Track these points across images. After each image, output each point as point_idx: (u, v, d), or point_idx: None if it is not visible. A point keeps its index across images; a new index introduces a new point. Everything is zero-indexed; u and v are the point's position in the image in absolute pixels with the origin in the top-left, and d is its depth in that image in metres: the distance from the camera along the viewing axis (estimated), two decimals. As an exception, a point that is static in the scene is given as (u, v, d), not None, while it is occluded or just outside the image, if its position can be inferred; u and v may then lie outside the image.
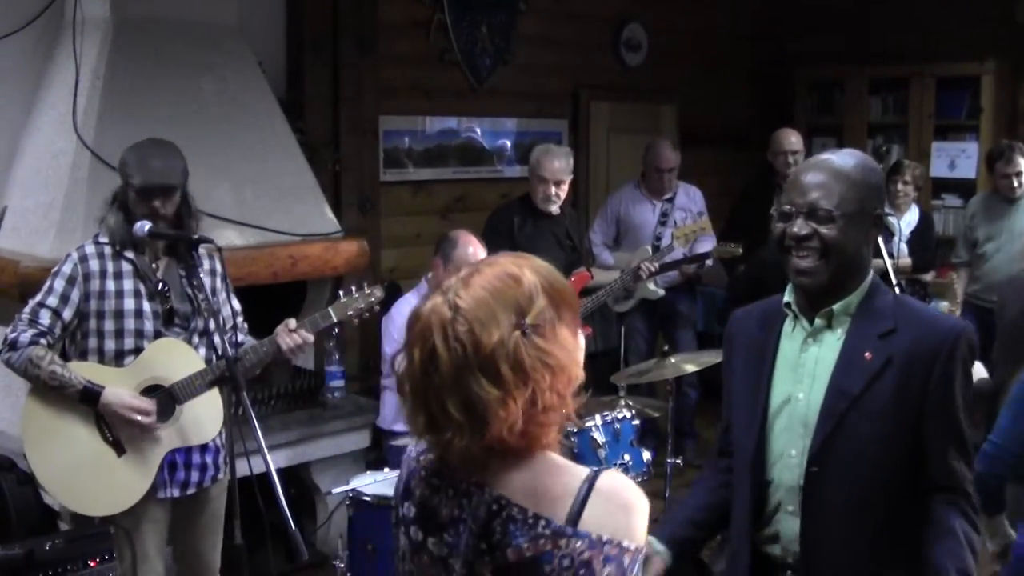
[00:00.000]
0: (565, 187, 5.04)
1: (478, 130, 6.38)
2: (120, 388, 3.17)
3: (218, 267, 3.40)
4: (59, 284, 3.18)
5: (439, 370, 1.47)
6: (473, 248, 4.33)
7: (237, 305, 3.44)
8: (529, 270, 1.53)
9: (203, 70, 4.50)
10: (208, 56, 4.53)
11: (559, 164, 4.98)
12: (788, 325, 2.29)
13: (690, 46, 7.39)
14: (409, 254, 5.82)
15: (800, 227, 2.16)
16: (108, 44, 4.28)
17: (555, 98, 6.73)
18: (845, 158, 2.22)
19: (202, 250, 3.31)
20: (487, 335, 1.46)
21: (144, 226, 3.14)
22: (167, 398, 3.24)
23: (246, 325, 3.51)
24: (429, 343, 1.48)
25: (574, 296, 1.58)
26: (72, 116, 4.18)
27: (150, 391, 3.23)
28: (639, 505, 1.51)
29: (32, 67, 4.54)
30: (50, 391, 3.14)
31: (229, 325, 3.40)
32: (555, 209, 5.05)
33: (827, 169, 2.19)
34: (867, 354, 2.16)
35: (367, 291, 3.53)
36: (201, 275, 3.26)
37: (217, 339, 3.11)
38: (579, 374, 1.56)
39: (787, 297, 2.28)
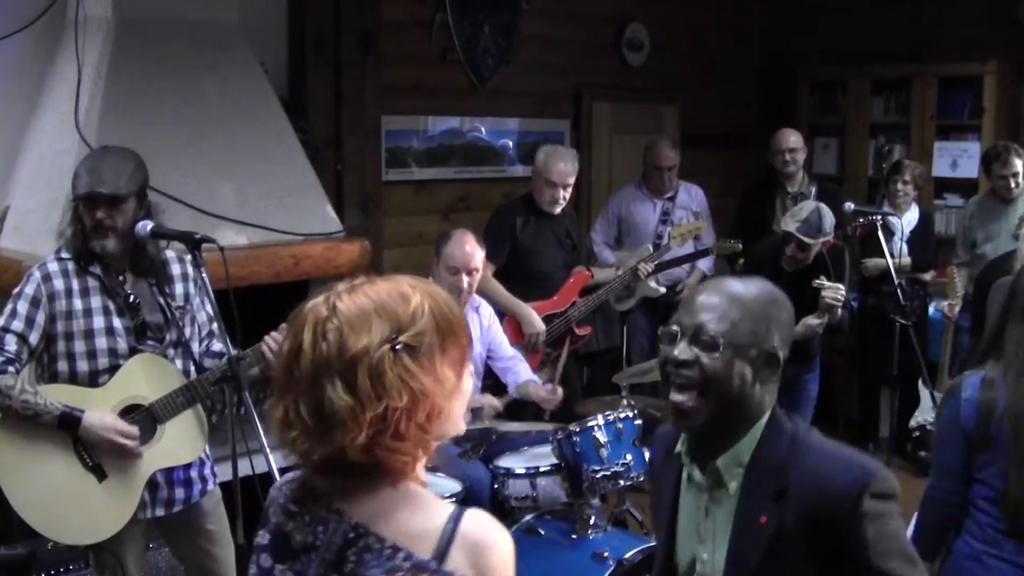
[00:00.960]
0: (570, 189, 5.06)
1: (483, 129, 6.38)
2: (99, 411, 3.02)
3: (190, 271, 3.27)
4: (22, 307, 3.02)
5: (301, 367, 1.43)
6: (469, 247, 4.34)
7: (212, 311, 3.23)
8: (423, 294, 1.48)
9: (205, 70, 4.50)
10: (210, 56, 4.53)
11: (567, 167, 5.00)
12: (686, 474, 2.04)
13: (692, 46, 7.38)
14: (411, 254, 5.82)
15: (681, 350, 1.92)
16: (110, 44, 4.28)
17: (557, 98, 6.73)
18: (749, 286, 1.99)
19: (171, 253, 3.25)
20: (355, 339, 1.41)
21: (147, 226, 3.08)
22: (148, 418, 3.10)
23: (220, 329, 3.38)
24: (299, 339, 1.45)
25: (466, 335, 1.53)
26: (74, 116, 4.18)
27: (128, 411, 3.09)
28: (505, 547, 1.49)
29: (34, 67, 4.54)
30: (23, 420, 2.96)
31: (205, 332, 3.30)
32: (559, 210, 5.06)
33: (724, 292, 1.96)
34: (762, 518, 1.88)
35: None
36: (175, 282, 3.19)
37: (194, 347, 3.05)
38: (450, 413, 1.49)
39: (679, 445, 2.04)
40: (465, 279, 4.28)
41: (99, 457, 3.06)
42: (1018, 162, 5.57)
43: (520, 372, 4.53)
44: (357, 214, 5.52)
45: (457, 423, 1.52)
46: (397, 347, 1.42)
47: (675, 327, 1.95)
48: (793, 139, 6.01)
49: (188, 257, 3.13)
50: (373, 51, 5.60)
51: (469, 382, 1.54)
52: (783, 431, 1.93)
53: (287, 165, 4.67)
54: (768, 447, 1.92)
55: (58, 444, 3.03)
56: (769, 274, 4.53)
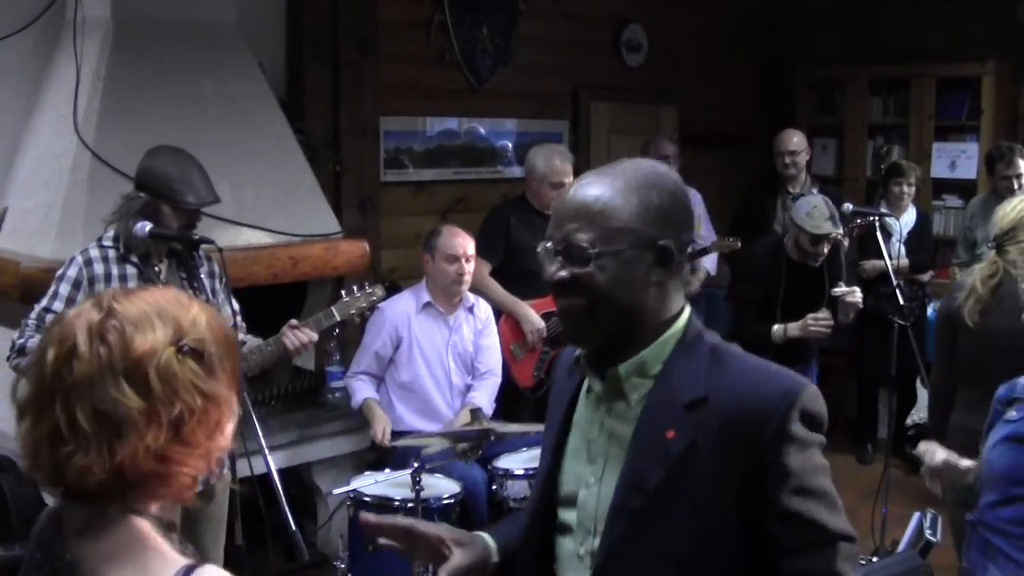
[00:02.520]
0: None
1: (481, 130, 6.38)
2: None
3: (216, 269, 3.41)
4: (64, 288, 3.16)
5: (75, 372, 1.29)
6: (460, 239, 4.35)
7: (236, 305, 3.43)
8: (200, 306, 1.41)
9: (203, 71, 4.50)
10: (208, 57, 4.53)
11: (567, 164, 5.01)
12: (587, 385, 1.75)
13: (691, 47, 7.38)
14: (409, 254, 5.81)
15: (554, 269, 1.65)
16: (108, 45, 4.28)
17: (555, 99, 6.72)
18: (625, 172, 1.67)
19: (201, 251, 3.32)
20: (141, 338, 1.31)
21: (145, 226, 3.13)
22: None
23: (244, 325, 3.52)
24: (69, 343, 1.31)
25: (236, 359, 1.43)
26: (73, 117, 4.18)
27: None
28: None
29: (32, 68, 4.54)
30: None
31: (229, 325, 3.38)
32: None
33: (589, 191, 1.65)
34: (669, 432, 1.60)
35: (368, 290, 3.56)
36: (202, 276, 3.26)
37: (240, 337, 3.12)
38: (228, 431, 1.40)
39: (579, 350, 1.76)
40: (465, 265, 4.33)
41: None
42: (1022, 163, 5.57)
43: (478, 393, 4.50)
44: (355, 215, 5.52)
45: (227, 444, 1.40)
46: (183, 349, 1.33)
47: (548, 243, 1.67)
48: (795, 140, 6.01)
49: (215, 255, 3.28)
50: (371, 52, 5.60)
51: (235, 404, 1.42)
52: (703, 341, 1.67)
53: (285, 166, 4.67)
54: (682, 356, 1.65)
55: None
56: (770, 273, 4.61)
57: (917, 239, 6.00)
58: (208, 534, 3.45)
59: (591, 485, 1.69)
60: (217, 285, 3.41)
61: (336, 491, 3.88)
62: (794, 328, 4.49)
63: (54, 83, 4.44)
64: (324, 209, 4.77)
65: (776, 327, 4.51)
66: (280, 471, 3.09)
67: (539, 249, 1.69)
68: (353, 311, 3.53)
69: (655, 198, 1.65)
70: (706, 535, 1.58)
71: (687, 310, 1.70)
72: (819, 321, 4.47)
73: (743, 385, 1.61)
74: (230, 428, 1.41)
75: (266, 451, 2.83)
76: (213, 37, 4.58)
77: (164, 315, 1.35)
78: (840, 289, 4.55)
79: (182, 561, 1.33)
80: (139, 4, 4.37)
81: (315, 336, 3.43)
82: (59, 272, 3.22)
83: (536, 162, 5.01)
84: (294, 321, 3.43)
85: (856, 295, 4.55)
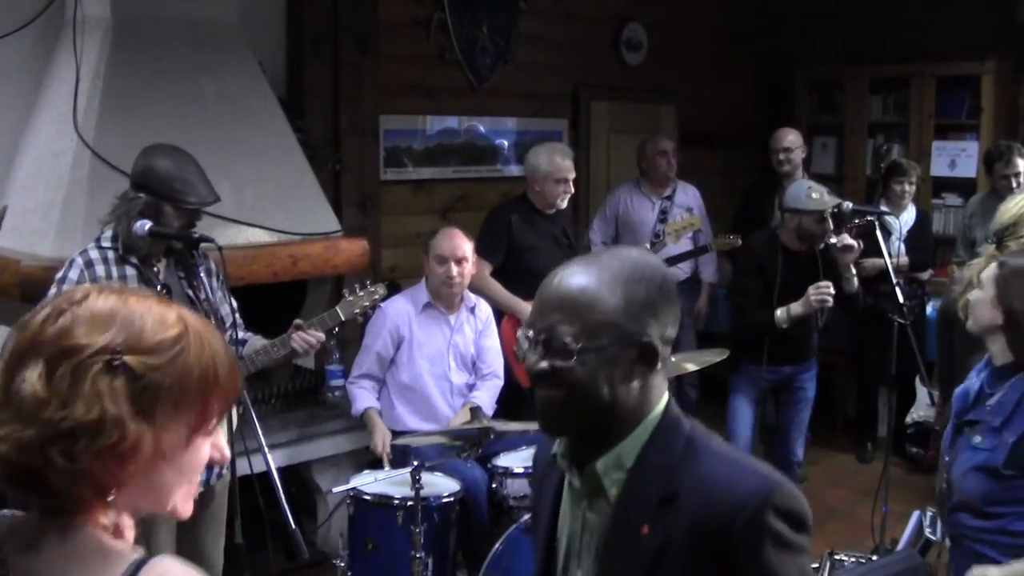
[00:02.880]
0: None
1: (481, 129, 6.39)
2: None
3: (213, 267, 3.40)
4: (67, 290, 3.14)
5: (15, 343, 1.23)
6: (457, 238, 4.36)
7: (234, 303, 3.42)
8: (194, 335, 1.26)
9: (203, 69, 4.50)
10: (208, 55, 4.53)
11: (568, 161, 5.01)
12: (567, 481, 1.73)
13: (690, 46, 7.38)
14: (409, 253, 5.82)
15: (534, 362, 1.61)
16: (108, 43, 4.28)
17: (555, 98, 6.73)
18: (603, 265, 1.64)
19: (201, 249, 3.32)
20: (81, 332, 1.20)
21: (144, 225, 3.12)
22: None
23: (243, 322, 3.52)
24: (37, 312, 1.25)
25: (222, 404, 1.29)
26: (72, 115, 4.18)
27: None
28: None
29: (32, 66, 4.54)
30: None
31: (228, 323, 3.39)
32: (566, 204, 5.07)
33: (573, 281, 1.62)
34: (644, 527, 1.58)
35: (371, 289, 3.56)
36: (201, 275, 3.26)
37: (235, 336, 3.12)
38: (157, 475, 1.24)
39: (555, 447, 1.73)
40: (454, 268, 4.30)
41: None
42: (1021, 162, 5.57)
43: (480, 392, 4.50)
44: (355, 213, 5.52)
45: (165, 496, 1.26)
46: (115, 365, 1.19)
47: (529, 331, 1.64)
48: (790, 138, 6.01)
49: (211, 254, 3.26)
50: (371, 51, 5.60)
51: (199, 457, 1.28)
52: (678, 432, 1.63)
53: (285, 165, 4.67)
54: (657, 449, 1.62)
55: None
56: (768, 264, 4.61)
57: (917, 238, 6.00)
58: (208, 534, 3.45)
59: None
60: (215, 283, 3.40)
61: (336, 489, 3.88)
62: (797, 306, 4.48)
63: (54, 82, 4.44)
64: (324, 208, 4.77)
65: (779, 311, 4.51)
66: (280, 469, 3.09)
67: (519, 335, 1.66)
68: (357, 310, 3.53)
69: (641, 291, 1.61)
70: None
71: (666, 397, 1.67)
72: (820, 290, 4.44)
73: (715, 481, 1.57)
74: (165, 477, 1.25)
75: (266, 450, 2.83)
76: (213, 36, 4.58)
77: (128, 321, 1.22)
78: (836, 238, 4.54)
79: (132, 558, 1.22)
80: (139, 3, 4.37)
81: (322, 337, 3.43)
82: (59, 274, 3.19)
83: (538, 161, 5.00)
84: (299, 321, 3.43)
85: (846, 239, 4.54)
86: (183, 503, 1.29)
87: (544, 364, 1.60)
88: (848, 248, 4.55)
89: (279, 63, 5.33)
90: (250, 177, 4.48)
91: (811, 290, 4.45)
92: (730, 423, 4.93)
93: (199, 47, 4.51)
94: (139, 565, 1.21)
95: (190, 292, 3.30)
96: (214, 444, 1.31)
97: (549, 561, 1.75)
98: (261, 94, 4.71)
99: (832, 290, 4.46)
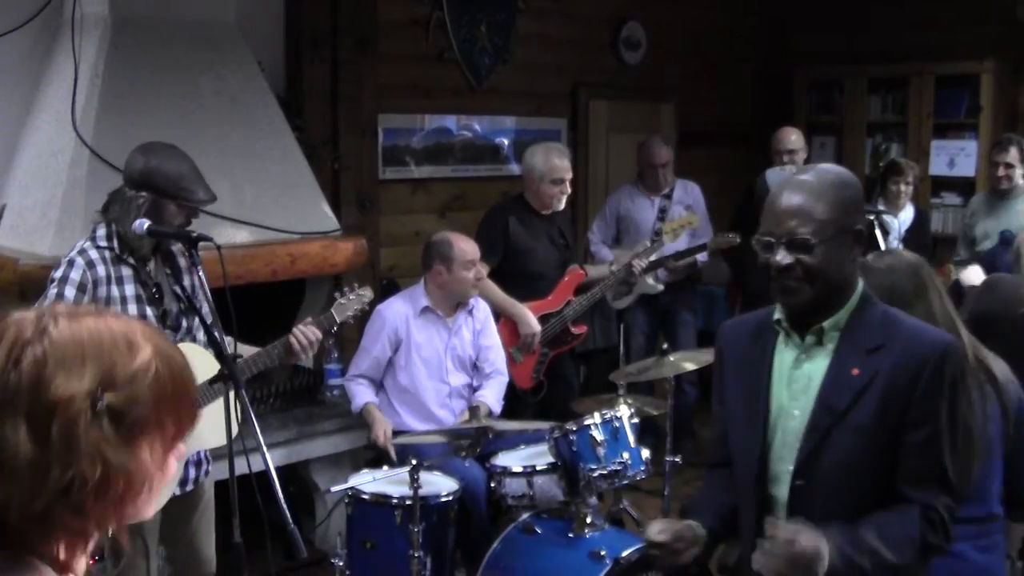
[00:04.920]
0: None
1: (480, 128, 6.39)
2: None
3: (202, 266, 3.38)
4: (70, 292, 3.09)
5: None
6: (471, 244, 4.38)
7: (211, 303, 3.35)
8: (156, 353, 1.20)
9: (202, 69, 4.50)
10: (207, 55, 4.53)
11: (566, 161, 5.02)
12: (781, 341, 2.29)
13: (689, 45, 7.39)
14: (408, 252, 5.82)
15: (781, 257, 2.15)
16: (107, 42, 4.28)
17: (554, 97, 6.73)
18: (820, 177, 2.20)
19: (175, 247, 3.31)
20: (61, 380, 1.12)
21: (143, 224, 3.11)
22: None
23: (236, 342, 3.47)
24: None
25: (191, 410, 1.26)
26: (71, 114, 4.18)
27: None
28: None
29: (31, 65, 4.54)
30: None
31: (209, 321, 3.35)
32: (564, 205, 5.07)
33: (802, 193, 2.16)
34: (854, 370, 2.15)
35: (360, 292, 3.56)
36: (199, 273, 3.25)
37: (216, 334, 3.10)
38: (149, 495, 1.21)
39: (777, 314, 2.28)
40: (475, 270, 4.39)
41: None
42: (1014, 151, 5.58)
43: (485, 391, 4.51)
44: (354, 212, 5.52)
45: (148, 507, 1.23)
46: (98, 408, 1.13)
47: (768, 237, 2.18)
48: (793, 139, 6.00)
49: (194, 252, 3.21)
50: (370, 50, 5.60)
51: (171, 472, 1.25)
52: (875, 304, 2.23)
53: (284, 164, 4.67)
54: (862, 314, 2.19)
55: None
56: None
57: (915, 237, 5.99)
58: (201, 531, 3.44)
59: (796, 416, 2.21)
60: (195, 280, 3.34)
61: (334, 488, 3.87)
62: None
63: (52, 81, 4.44)
64: (323, 207, 4.77)
65: None
66: (278, 469, 3.09)
67: (755, 240, 2.22)
68: (349, 313, 3.54)
69: (848, 192, 2.19)
70: (873, 447, 2.13)
71: (861, 280, 2.24)
72: None
73: (911, 336, 2.16)
74: (154, 491, 1.22)
75: (264, 449, 2.82)
76: (212, 35, 4.58)
77: (99, 355, 1.16)
78: None
79: None
80: (137, 2, 4.37)
81: (319, 335, 3.42)
82: (58, 273, 3.14)
83: (535, 162, 4.99)
84: (309, 319, 3.44)
85: None
86: (152, 508, 1.25)
87: (790, 259, 2.14)
88: None
89: (278, 62, 5.32)
90: (249, 176, 4.48)
91: None
92: None
93: (198, 46, 4.51)
94: None
95: (178, 290, 3.29)
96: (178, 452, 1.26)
97: (759, 401, 2.27)
98: (260, 93, 4.71)
99: None
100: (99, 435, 1.13)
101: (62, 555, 1.18)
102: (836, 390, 2.16)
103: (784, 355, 2.27)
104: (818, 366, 2.21)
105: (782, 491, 2.24)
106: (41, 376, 1.12)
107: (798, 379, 2.23)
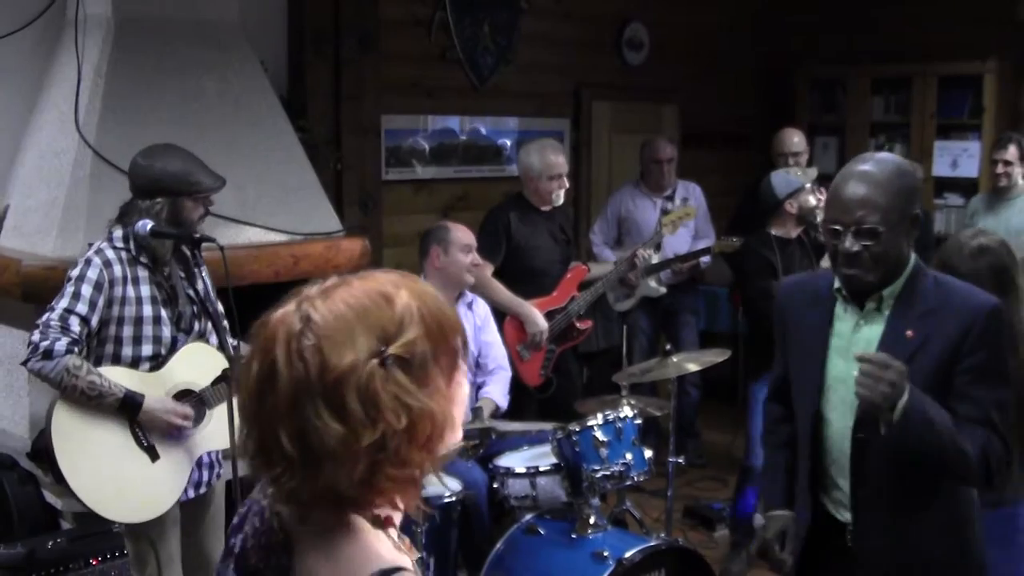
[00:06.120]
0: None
1: (482, 128, 6.38)
2: (158, 395, 3.17)
3: (205, 268, 3.42)
4: (87, 290, 3.10)
5: (275, 390, 1.23)
6: (465, 233, 4.38)
7: (220, 307, 3.44)
8: (409, 293, 1.28)
9: (205, 69, 4.50)
10: (210, 55, 4.53)
11: (561, 157, 5.03)
12: (840, 308, 2.49)
13: (692, 45, 7.38)
14: (411, 252, 5.78)
15: (850, 244, 2.34)
16: (110, 43, 4.28)
17: (557, 97, 6.72)
18: (881, 167, 2.37)
19: (186, 250, 3.32)
20: (337, 357, 1.21)
21: (146, 225, 3.13)
22: (198, 403, 3.26)
23: (228, 326, 3.49)
24: (270, 356, 1.24)
25: (458, 337, 1.33)
26: (74, 115, 4.18)
27: (180, 397, 3.23)
28: None
29: (34, 66, 4.54)
30: (84, 400, 3.06)
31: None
32: (562, 200, 5.08)
33: (867, 183, 2.35)
34: (909, 332, 2.37)
35: None
36: (204, 275, 3.26)
37: (226, 338, 3.12)
38: (450, 429, 1.30)
39: (837, 283, 2.48)
40: (473, 255, 4.40)
41: (153, 438, 3.18)
42: (1013, 150, 5.60)
43: (491, 387, 4.50)
44: (357, 213, 5.52)
45: (457, 433, 1.33)
46: (387, 362, 1.22)
47: (836, 226, 2.36)
48: (796, 141, 5.98)
49: (199, 255, 3.28)
50: (373, 50, 5.60)
51: (464, 387, 1.35)
52: (927, 272, 2.45)
53: (287, 164, 4.67)
54: (915, 282, 2.41)
55: (115, 424, 3.14)
56: (773, 265, 4.59)
57: (919, 238, 5.98)
58: (211, 535, 3.46)
59: (854, 375, 2.32)
60: (209, 282, 3.42)
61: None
62: None
63: (55, 81, 4.44)
64: (325, 207, 4.77)
65: None
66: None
67: (822, 225, 2.47)
68: None
69: (907, 181, 2.39)
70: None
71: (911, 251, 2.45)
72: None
73: (960, 299, 2.39)
74: (456, 420, 1.32)
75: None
76: (215, 35, 4.57)
77: (366, 320, 1.24)
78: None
79: (384, 563, 1.26)
80: (140, 2, 4.37)
81: None
82: (76, 272, 3.15)
83: (531, 160, 5.01)
84: None
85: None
86: (460, 431, 1.35)
87: (857, 247, 2.34)
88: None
89: (281, 62, 5.32)
90: (251, 176, 4.48)
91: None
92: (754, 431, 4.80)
93: (201, 46, 4.51)
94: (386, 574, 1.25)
95: (191, 293, 3.31)
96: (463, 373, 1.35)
97: (819, 363, 2.49)
98: (263, 93, 4.71)
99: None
100: (396, 387, 1.22)
101: (385, 511, 1.30)
102: (893, 350, 2.32)
103: (844, 321, 2.48)
104: (876, 331, 2.42)
105: (839, 445, 2.46)
106: (323, 359, 1.21)
107: (857, 342, 2.43)
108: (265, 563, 1.31)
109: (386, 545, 1.30)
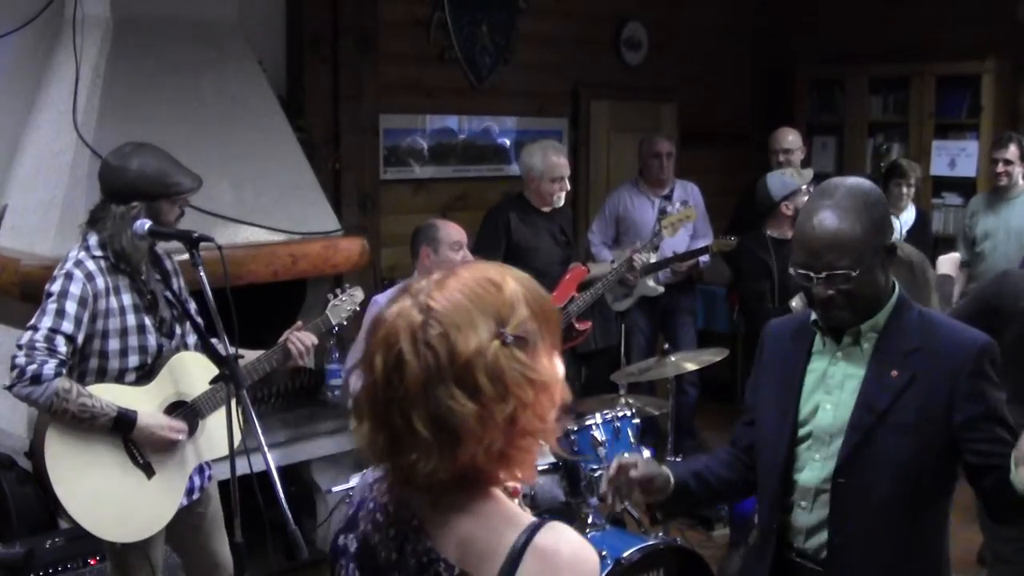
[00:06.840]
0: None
1: (481, 128, 6.39)
2: (147, 409, 3.09)
3: (178, 267, 3.34)
4: (71, 307, 2.98)
5: (405, 380, 1.31)
6: (455, 231, 4.36)
7: (193, 306, 3.32)
8: (512, 279, 1.41)
9: (203, 69, 4.50)
10: (208, 55, 4.53)
11: (563, 158, 5.03)
12: (818, 341, 2.35)
13: (690, 45, 7.38)
14: (409, 253, 5.81)
15: (823, 291, 2.20)
16: (108, 42, 4.28)
17: (555, 97, 6.73)
18: (848, 202, 2.19)
19: (161, 250, 3.28)
20: (464, 341, 1.30)
21: (144, 224, 3.07)
22: (191, 414, 3.20)
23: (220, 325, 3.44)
24: (395, 350, 1.32)
25: (556, 317, 1.44)
26: (72, 114, 4.18)
27: (172, 409, 3.18)
28: (583, 568, 1.33)
29: (32, 65, 4.54)
30: (76, 423, 2.97)
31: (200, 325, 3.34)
32: (563, 202, 5.08)
33: (834, 222, 2.18)
34: (893, 371, 2.22)
35: (351, 292, 3.56)
36: (171, 277, 3.23)
37: (222, 338, 3.10)
38: (564, 396, 1.41)
39: (813, 315, 2.34)
40: (464, 252, 4.35)
41: (148, 455, 3.12)
42: (1013, 149, 5.59)
43: None
44: (355, 213, 5.52)
45: (566, 398, 1.43)
46: (507, 341, 1.33)
47: (806, 271, 2.21)
48: (790, 139, 5.99)
49: (181, 254, 3.15)
50: (371, 50, 5.60)
51: (560, 365, 1.43)
52: (911, 305, 2.30)
53: (285, 164, 4.68)
54: (900, 317, 2.26)
55: (109, 443, 3.07)
56: (768, 265, 4.59)
57: (917, 237, 5.99)
58: (215, 534, 3.44)
59: (828, 409, 2.28)
60: (183, 283, 3.33)
61: (335, 488, 3.87)
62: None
63: (54, 81, 4.44)
64: (324, 207, 4.77)
65: (793, 301, 4.47)
66: (279, 469, 3.08)
67: (794, 272, 2.24)
68: (344, 315, 3.54)
69: (876, 211, 2.22)
70: (913, 446, 2.18)
71: (893, 279, 2.30)
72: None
73: (947, 337, 2.23)
74: (560, 395, 1.40)
75: (265, 449, 2.82)
76: (213, 35, 4.58)
77: (482, 306, 1.34)
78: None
79: (528, 520, 1.36)
80: (139, 2, 4.37)
81: (315, 340, 3.42)
82: (56, 287, 3.01)
83: (533, 162, 5.01)
84: (300, 323, 3.42)
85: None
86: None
87: (831, 291, 2.19)
88: None
89: (279, 62, 5.33)
90: (250, 176, 4.48)
91: None
92: None
93: (199, 46, 4.51)
94: (536, 528, 1.34)
95: (169, 295, 3.24)
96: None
97: (793, 393, 2.33)
98: (261, 93, 4.71)
99: None
100: (518, 363, 1.32)
101: (512, 481, 1.40)
102: (876, 391, 2.22)
103: (820, 355, 2.35)
104: (854, 365, 2.28)
105: (806, 477, 2.31)
106: (451, 345, 1.31)
107: (833, 375, 2.30)
108: (400, 552, 1.39)
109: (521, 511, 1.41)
